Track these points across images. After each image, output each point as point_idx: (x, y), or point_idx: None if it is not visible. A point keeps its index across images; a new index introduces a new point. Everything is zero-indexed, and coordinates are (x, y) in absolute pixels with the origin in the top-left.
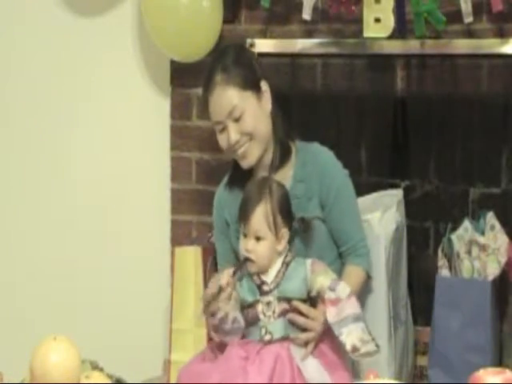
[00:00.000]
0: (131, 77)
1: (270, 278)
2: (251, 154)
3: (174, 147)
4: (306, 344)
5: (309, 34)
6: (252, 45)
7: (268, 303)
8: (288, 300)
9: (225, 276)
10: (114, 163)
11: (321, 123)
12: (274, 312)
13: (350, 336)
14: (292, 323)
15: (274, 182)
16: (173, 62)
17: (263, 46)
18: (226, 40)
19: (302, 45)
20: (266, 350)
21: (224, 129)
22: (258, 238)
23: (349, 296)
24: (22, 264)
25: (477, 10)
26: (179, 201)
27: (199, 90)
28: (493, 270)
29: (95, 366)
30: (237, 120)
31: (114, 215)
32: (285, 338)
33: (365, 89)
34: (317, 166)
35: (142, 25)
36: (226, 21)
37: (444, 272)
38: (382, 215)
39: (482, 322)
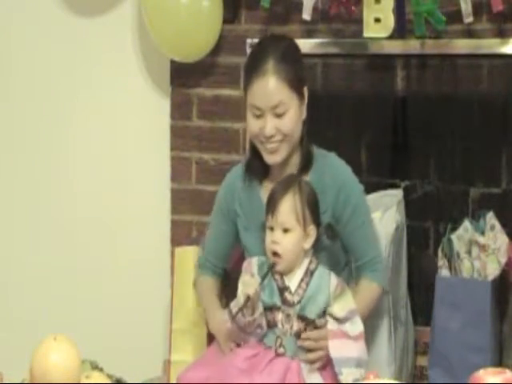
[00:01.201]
0: (131, 77)
1: (293, 284)
2: (280, 152)
3: (173, 147)
4: (313, 362)
5: (309, 34)
6: (252, 43)
7: (288, 315)
8: (307, 320)
9: (252, 285)
10: (114, 163)
11: (321, 123)
12: (291, 327)
13: (348, 377)
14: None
15: (302, 179)
16: (173, 62)
17: None
18: (226, 40)
19: (301, 45)
20: (277, 360)
21: (260, 116)
22: (285, 230)
23: (358, 336)
24: (23, 264)
25: (477, 10)
26: (179, 201)
27: (199, 90)
28: (493, 270)
29: (95, 366)
30: (278, 115)
31: (114, 216)
32: (295, 355)
33: (365, 89)
34: (335, 179)
35: (142, 25)
36: (226, 21)
37: (444, 272)
38: (382, 215)
39: (482, 322)
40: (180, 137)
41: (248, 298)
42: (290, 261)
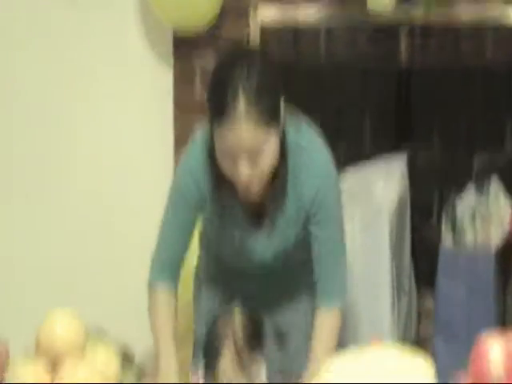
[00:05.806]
0: (133, 49)
1: None
2: (256, 188)
3: (177, 119)
4: None
5: (312, 4)
6: (255, 13)
7: None
8: None
9: None
10: (118, 136)
11: (324, 92)
12: None
13: None
14: None
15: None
16: (175, 34)
17: (266, 14)
18: (228, 10)
19: (305, 14)
20: None
21: (232, 156)
22: None
23: None
24: (28, 237)
25: None
26: None
27: (202, 61)
28: (496, 238)
29: (100, 332)
30: (252, 157)
31: (117, 185)
32: None
33: (369, 58)
34: (311, 183)
35: None
36: None
37: (448, 241)
38: (385, 184)
39: (485, 291)
40: (183, 108)
41: None
42: None
